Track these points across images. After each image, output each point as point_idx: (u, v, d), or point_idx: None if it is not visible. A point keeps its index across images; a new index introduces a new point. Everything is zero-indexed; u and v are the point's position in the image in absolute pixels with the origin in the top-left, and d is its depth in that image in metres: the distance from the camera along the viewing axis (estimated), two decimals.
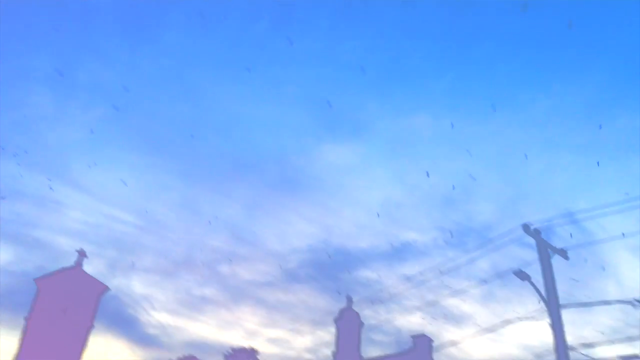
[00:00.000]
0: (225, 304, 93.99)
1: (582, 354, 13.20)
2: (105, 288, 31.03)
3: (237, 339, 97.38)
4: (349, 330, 30.94)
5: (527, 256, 15.58)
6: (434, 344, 28.11)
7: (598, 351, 13.28)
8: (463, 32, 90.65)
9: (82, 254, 30.70)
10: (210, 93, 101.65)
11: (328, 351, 31.83)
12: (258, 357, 44.67)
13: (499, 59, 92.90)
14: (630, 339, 13.79)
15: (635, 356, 12.99)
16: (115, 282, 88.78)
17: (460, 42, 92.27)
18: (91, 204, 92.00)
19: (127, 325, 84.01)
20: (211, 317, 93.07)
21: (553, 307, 13.61)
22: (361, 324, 31.25)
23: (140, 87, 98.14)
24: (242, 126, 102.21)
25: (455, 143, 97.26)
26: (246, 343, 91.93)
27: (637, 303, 13.11)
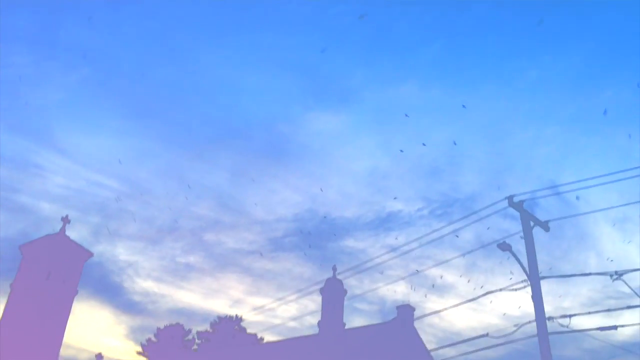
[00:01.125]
0: (210, 272, 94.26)
1: (561, 325, 13.38)
2: (90, 254, 30.95)
3: (222, 307, 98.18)
4: (333, 300, 31.20)
5: (511, 227, 15.70)
6: (416, 313, 28.57)
7: (577, 321, 13.51)
8: (451, 0, 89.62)
9: (65, 220, 30.53)
10: (195, 56, 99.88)
11: (313, 320, 32.20)
12: (243, 325, 45.15)
13: (488, 28, 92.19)
14: (608, 310, 14.06)
15: (614, 327, 13.17)
16: (100, 249, 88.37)
17: (449, 11, 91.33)
18: (74, 169, 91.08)
19: (111, 292, 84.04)
20: (196, 284, 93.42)
21: (534, 278, 13.75)
22: (345, 292, 31.53)
23: (123, 48, 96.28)
24: (228, 92, 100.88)
25: (443, 113, 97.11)
26: (232, 311, 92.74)
27: (615, 275, 13.26)
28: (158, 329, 48.33)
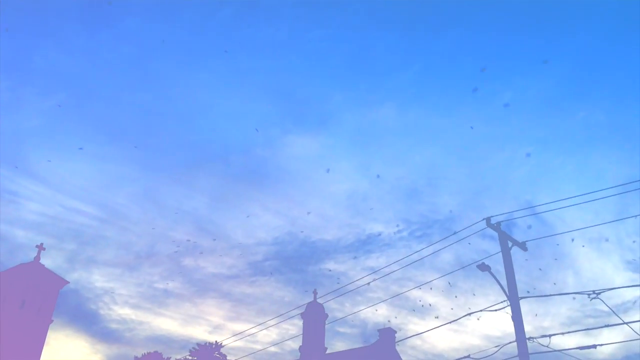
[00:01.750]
0: (189, 297, 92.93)
1: (541, 344, 13.46)
2: (65, 282, 30.34)
3: (202, 333, 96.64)
4: (314, 324, 30.97)
5: (490, 248, 15.83)
6: (398, 335, 28.46)
7: (557, 341, 13.57)
8: (429, 24, 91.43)
9: (40, 248, 29.99)
10: (173, 81, 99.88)
11: (294, 344, 31.87)
12: (223, 351, 44.38)
13: (464, 51, 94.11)
14: (587, 329, 14.17)
15: (593, 346, 13.28)
16: (75, 276, 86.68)
17: (426, 35, 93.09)
18: (49, 195, 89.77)
19: (87, 320, 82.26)
20: (175, 311, 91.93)
21: (513, 298, 13.84)
22: (326, 316, 31.33)
23: (99, 74, 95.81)
24: (205, 116, 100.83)
25: (421, 135, 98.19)
26: (211, 337, 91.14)
27: (593, 294, 13.42)
28: (136, 357, 47.27)
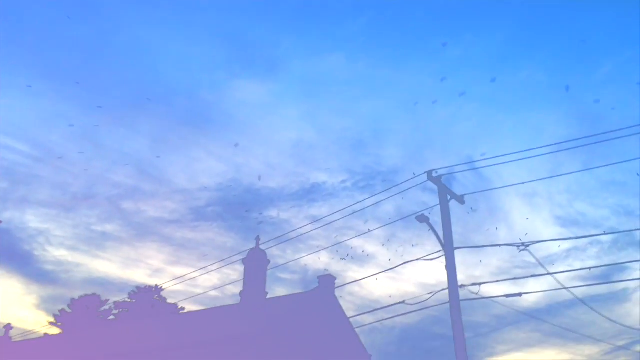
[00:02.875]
0: (129, 241, 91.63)
1: (472, 292, 14.17)
2: None
3: (141, 277, 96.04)
4: (256, 270, 31.34)
5: (430, 200, 16.29)
6: (337, 282, 29.30)
7: (486, 289, 14.35)
8: None
9: None
10: (114, 14, 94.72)
11: (235, 289, 32.29)
12: (163, 295, 44.49)
13: (415, 4, 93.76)
14: (515, 278, 15.11)
15: (519, 294, 14.07)
16: (7, 215, 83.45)
17: None
18: None
19: (21, 261, 79.93)
20: (114, 254, 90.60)
21: (448, 248, 14.42)
22: (268, 262, 31.74)
23: (34, 1, 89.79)
24: (149, 54, 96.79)
25: (369, 86, 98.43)
26: (151, 281, 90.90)
27: (522, 246, 14.16)
28: (72, 299, 46.77)
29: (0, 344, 36.72)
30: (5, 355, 33.73)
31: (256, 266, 31.27)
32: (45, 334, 40.91)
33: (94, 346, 30.60)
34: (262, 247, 31.78)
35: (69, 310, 45.70)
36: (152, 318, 37.28)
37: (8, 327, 38.12)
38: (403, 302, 14.95)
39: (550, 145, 15.28)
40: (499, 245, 14.87)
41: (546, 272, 14.58)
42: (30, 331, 38.01)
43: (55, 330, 43.69)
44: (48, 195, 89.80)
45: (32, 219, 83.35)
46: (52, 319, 45.69)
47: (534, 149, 15.11)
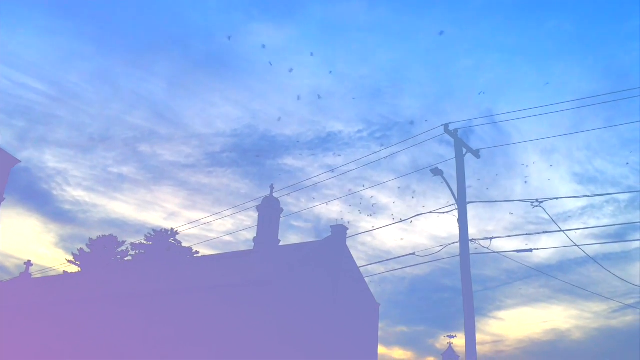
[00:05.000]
0: (145, 183, 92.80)
1: (482, 246, 14.21)
2: (16, 161, 29.68)
3: (157, 219, 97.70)
4: (269, 217, 31.66)
5: (446, 153, 16.17)
6: (349, 232, 29.53)
7: (498, 243, 14.40)
8: None
9: None
10: None
11: (248, 235, 32.76)
12: (178, 238, 45.32)
13: None
14: (527, 234, 15.11)
15: (529, 250, 14.09)
16: (26, 154, 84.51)
17: None
18: None
19: (40, 200, 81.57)
20: (130, 196, 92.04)
21: (461, 202, 14.38)
22: (281, 210, 32.02)
23: None
24: None
25: (389, 34, 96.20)
26: (167, 224, 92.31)
27: (536, 202, 14.06)
28: (90, 239, 47.87)
29: (21, 280, 37.96)
30: (25, 290, 34.92)
31: (270, 214, 31.59)
32: (65, 272, 42.17)
33: (112, 285, 31.52)
34: (275, 195, 32.02)
35: (87, 250, 46.88)
36: (167, 260, 38.16)
37: (28, 263, 39.31)
38: (413, 253, 15.08)
39: (572, 100, 14.96)
40: (512, 200, 14.81)
41: (558, 229, 14.53)
42: (49, 268, 39.15)
43: (73, 269, 44.98)
44: (66, 136, 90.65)
45: (50, 159, 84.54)
46: (70, 257, 46.98)
47: (556, 104, 14.81)
